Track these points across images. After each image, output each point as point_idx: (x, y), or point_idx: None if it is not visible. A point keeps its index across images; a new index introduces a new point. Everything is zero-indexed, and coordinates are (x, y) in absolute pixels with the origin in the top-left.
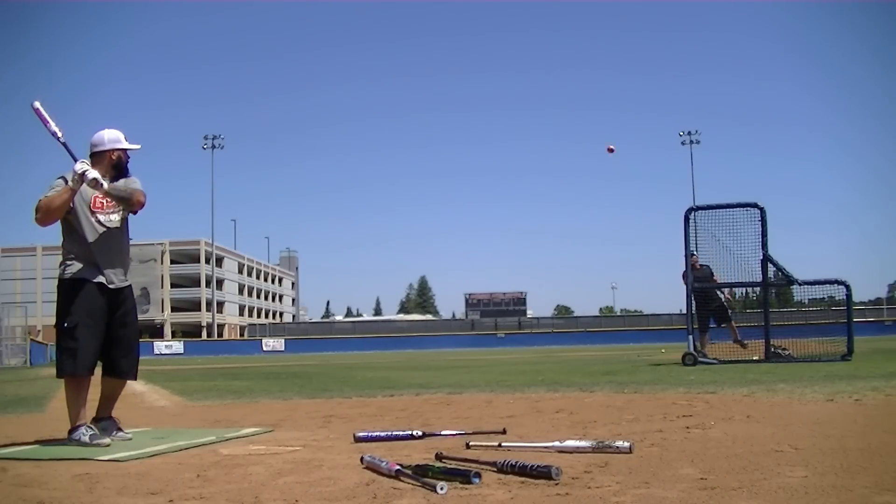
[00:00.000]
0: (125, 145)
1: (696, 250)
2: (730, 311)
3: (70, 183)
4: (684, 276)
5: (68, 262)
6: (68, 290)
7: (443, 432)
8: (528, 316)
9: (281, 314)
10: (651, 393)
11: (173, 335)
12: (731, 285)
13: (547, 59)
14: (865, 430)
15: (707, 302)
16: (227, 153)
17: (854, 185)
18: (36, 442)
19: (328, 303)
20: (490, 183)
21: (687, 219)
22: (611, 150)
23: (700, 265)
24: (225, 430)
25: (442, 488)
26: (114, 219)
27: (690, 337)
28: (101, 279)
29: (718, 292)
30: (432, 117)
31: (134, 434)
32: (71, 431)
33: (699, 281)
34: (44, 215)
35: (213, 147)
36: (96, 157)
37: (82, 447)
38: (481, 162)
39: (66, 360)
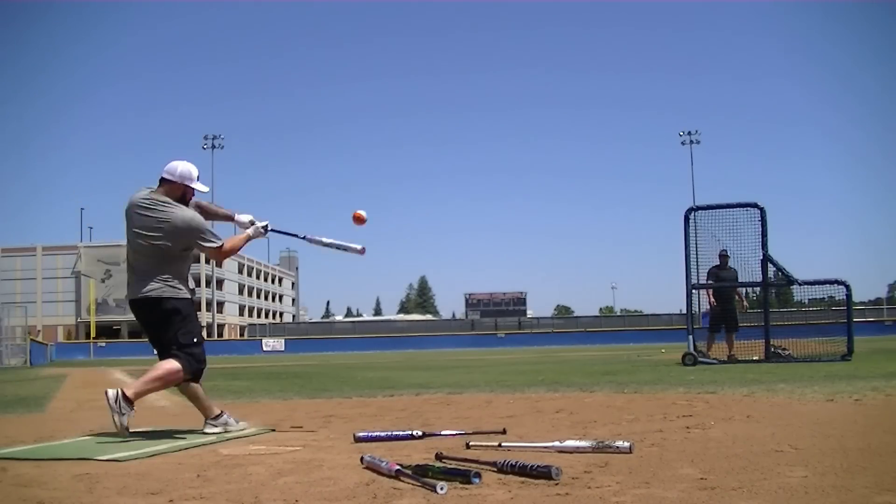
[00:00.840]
0: (197, 186)
1: (697, 250)
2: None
3: (252, 233)
4: (710, 274)
5: (181, 284)
6: (189, 306)
7: (443, 432)
8: (528, 316)
9: (281, 314)
10: (651, 393)
11: None
12: (732, 285)
13: (547, 59)
14: (865, 430)
15: (723, 303)
16: (227, 153)
17: (854, 184)
18: (36, 442)
19: (328, 303)
20: (490, 183)
21: (687, 219)
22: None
23: (729, 266)
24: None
25: (442, 488)
26: None
27: (690, 337)
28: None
29: (737, 299)
30: (432, 117)
31: (134, 434)
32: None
33: (723, 280)
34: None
35: (213, 147)
36: (167, 185)
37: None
38: (481, 162)
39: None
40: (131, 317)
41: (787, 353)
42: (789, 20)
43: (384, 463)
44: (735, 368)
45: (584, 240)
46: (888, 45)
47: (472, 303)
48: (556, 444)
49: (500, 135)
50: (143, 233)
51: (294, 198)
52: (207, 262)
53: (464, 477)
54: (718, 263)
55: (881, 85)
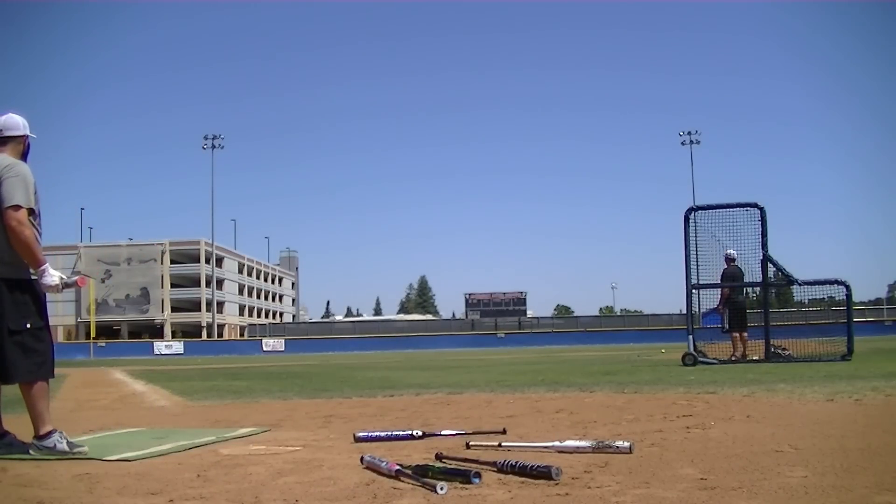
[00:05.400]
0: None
1: (697, 250)
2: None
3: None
4: (723, 276)
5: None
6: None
7: (443, 432)
8: (528, 316)
9: (281, 314)
10: (651, 393)
11: (173, 335)
12: (732, 285)
13: (547, 59)
14: (865, 430)
15: (733, 301)
16: (227, 153)
17: (854, 184)
18: None
19: (328, 303)
20: (490, 183)
21: (687, 219)
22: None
23: (732, 264)
24: (225, 430)
25: (442, 488)
26: None
27: (690, 337)
28: None
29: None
30: (432, 117)
31: (133, 434)
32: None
33: (726, 279)
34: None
35: (213, 147)
36: (11, 143)
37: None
38: (481, 162)
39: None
40: (131, 317)
41: (787, 353)
42: (789, 20)
43: (384, 463)
44: (735, 368)
45: (584, 240)
46: (888, 45)
47: (472, 303)
48: (556, 444)
49: (500, 135)
50: None
51: (294, 198)
52: (207, 262)
53: (464, 477)
54: (727, 266)
55: (881, 85)
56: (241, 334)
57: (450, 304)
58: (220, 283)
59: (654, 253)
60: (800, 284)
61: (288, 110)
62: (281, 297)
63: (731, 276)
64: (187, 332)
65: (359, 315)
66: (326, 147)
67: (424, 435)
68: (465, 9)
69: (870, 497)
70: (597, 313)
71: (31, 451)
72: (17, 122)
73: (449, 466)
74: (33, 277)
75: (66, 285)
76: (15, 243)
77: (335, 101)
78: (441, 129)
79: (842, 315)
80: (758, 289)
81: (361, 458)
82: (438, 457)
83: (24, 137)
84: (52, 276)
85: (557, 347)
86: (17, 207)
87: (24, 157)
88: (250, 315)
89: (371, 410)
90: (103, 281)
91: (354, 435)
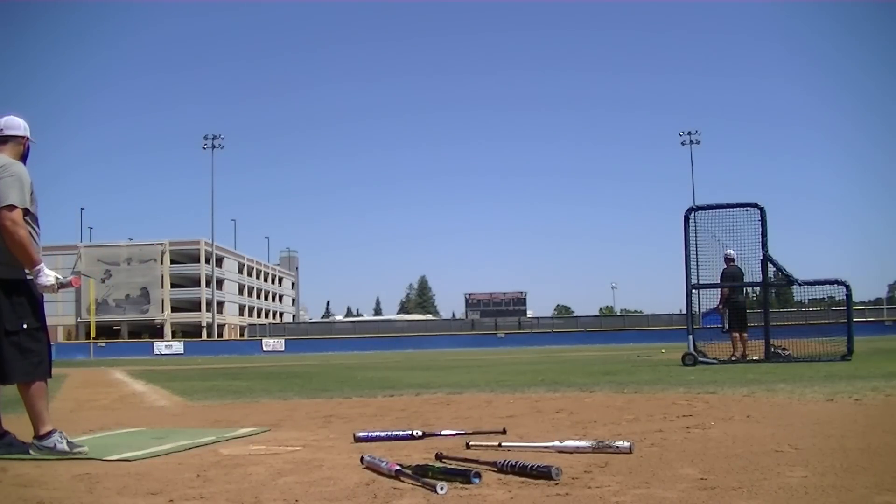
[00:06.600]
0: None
1: (697, 250)
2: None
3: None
4: (723, 276)
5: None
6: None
7: (443, 432)
8: (528, 316)
9: (281, 314)
10: (651, 393)
11: (173, 335)
12: (732, 285)
13: (547, 59)
14: (865, 430)
15: (733, 301)
16: (227, 153)
17: (854, 184)
18: None
19: (328, 303)
20: (490, 183)
21: (687, 219)
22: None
23: (732, 264)
24: (225, 430)
25: (442, 488)
26: None
27: (690, 337)
28: None
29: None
30: (432, 117)
31: (133, 434)
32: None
33: (726, 279)
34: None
35: (213, 147)
36: (11, 143)
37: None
38: (481, 162)
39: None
40: (131, 317)
41: (787, 353)
42: (790, 20)
43: (384, 463)
44: (735, 368)
45: (584, 240)
46: (888, 46)
47: (472, 303)
48: (556, 444)
49: (500, 135)
50: None
51: (294, 198)
52: (207, 261)
53: (464, 477)
54: (726, 266)
55: (881, 85)
56: (241, 334)
57: (450, 304)
58: (220, 283)
59: (654, 253)
60: (800, 284)
61: (288, 110)
62: (281, 297)
63: (731, 276)
64: (187, 332)
65: (359, 315)
66: (326, 147)
67: (424, 435)
68: (466, 9)
69: (870, 497)
70: (597, 313)
71: (31, 451)
72: (17, 123)
73: (449, 466)
74: (29, 278)
75: (61, 285)
76: (9, 243)
77: (335, 101)
78: (441, 129)
79: (842, 315)
80: (758, 289)
81: (361, 458)
82: (438, 457)
83: (25, 139)
84: (48, 276)
85: (557, 347)
86: (12, 207)
87: (23, 159)
88: (250, 315)
89: (371, 410)
90: (103, 281)
91: (354, 435)
